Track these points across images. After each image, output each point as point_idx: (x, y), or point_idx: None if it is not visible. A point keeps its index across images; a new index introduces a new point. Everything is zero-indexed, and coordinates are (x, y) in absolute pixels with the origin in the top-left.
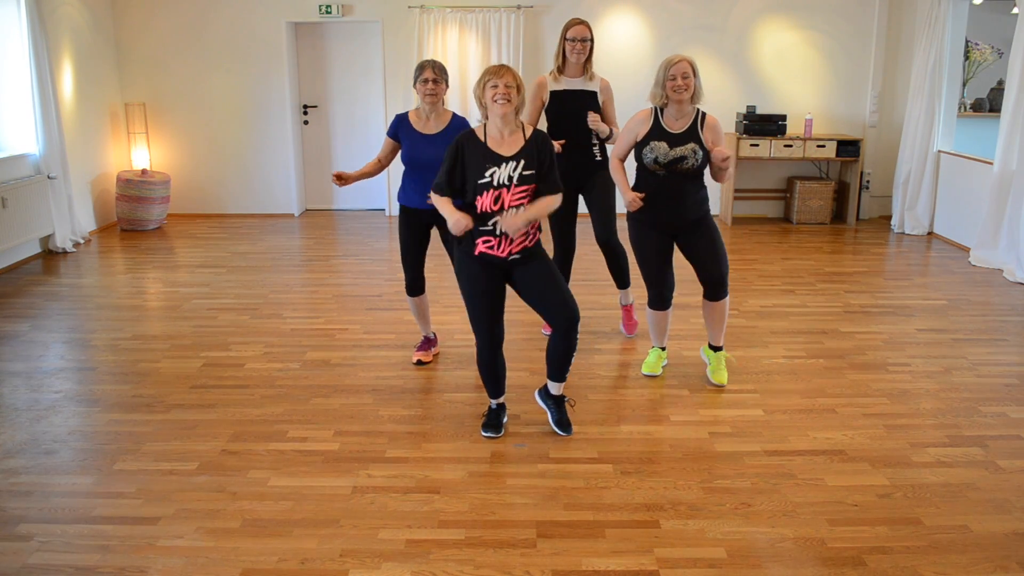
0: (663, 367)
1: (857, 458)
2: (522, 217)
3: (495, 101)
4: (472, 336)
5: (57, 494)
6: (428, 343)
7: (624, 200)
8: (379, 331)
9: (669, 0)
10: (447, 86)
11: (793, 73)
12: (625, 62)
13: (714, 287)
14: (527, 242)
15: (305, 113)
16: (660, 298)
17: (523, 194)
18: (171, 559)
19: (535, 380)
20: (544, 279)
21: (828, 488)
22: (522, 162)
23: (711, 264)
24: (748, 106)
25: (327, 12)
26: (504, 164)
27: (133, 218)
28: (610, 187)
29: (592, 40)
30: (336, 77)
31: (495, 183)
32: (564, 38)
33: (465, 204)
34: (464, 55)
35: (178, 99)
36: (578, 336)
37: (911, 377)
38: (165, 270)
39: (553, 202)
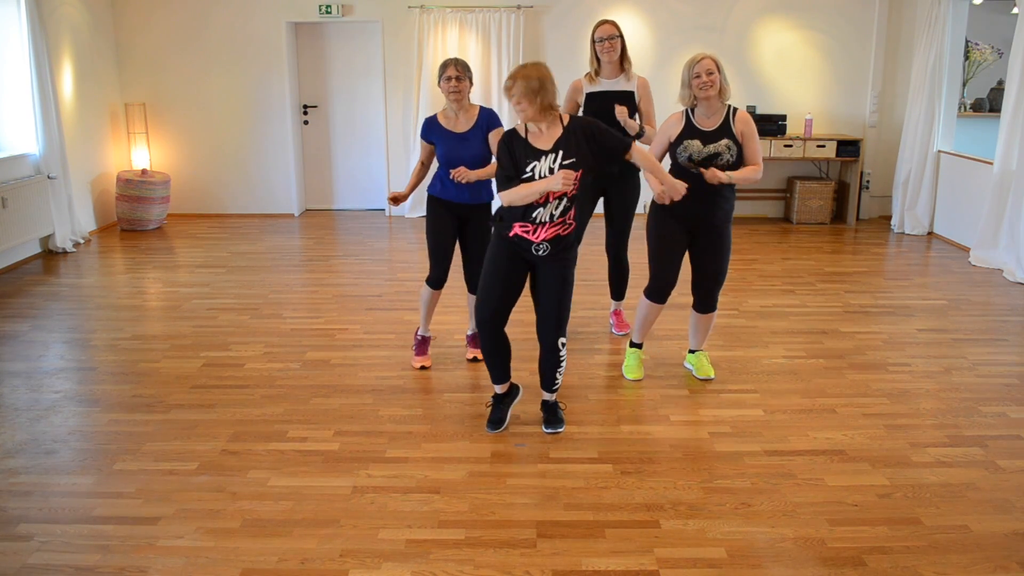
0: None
1: (857, 458)
2: (658, 176)
3: (516, 112)
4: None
5: (57, 494)
6: (425, 344)
7: (666, 186)
8: (379, 331)
9: (669, 0)
10: (471, 83)
11: (793, 73)
12: None
13: (704, 300)
14: (561, 230)
15: (305, 113)
16: (660, 291)
17: None
18: (171, 559)
19: (536, 380)
20: (553, 288)
21: (828, 488)
22: (560, 152)
23: (710, 277)
24: (748, 106)
25: (327, 12)
26: (544, 157)
27: (133, 218)
28: (631, 200)
29: (621, 36)
30: (336, 77)
31: (536, 177)
32: (593, 40)
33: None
34: (464, 55)
35: (178, 99)
36: (563, 355)
37: (911, 377)
38: (165, 270)
39: (644, 153)
